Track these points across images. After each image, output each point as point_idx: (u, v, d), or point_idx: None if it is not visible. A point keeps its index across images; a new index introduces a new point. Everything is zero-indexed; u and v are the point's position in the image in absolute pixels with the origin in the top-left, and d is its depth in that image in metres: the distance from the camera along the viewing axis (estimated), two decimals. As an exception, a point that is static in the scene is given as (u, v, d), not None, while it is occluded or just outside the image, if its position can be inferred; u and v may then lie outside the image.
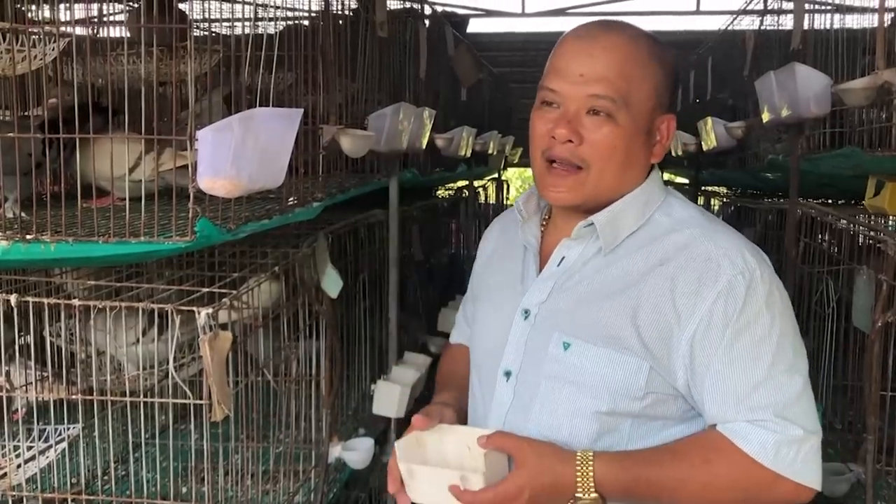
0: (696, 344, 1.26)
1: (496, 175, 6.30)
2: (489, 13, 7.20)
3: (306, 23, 2.22)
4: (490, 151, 4.78)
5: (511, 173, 10.20)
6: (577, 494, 1.24)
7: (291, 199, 1.85)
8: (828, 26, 2.72)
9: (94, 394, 1.53)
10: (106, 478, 1.90)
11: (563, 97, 1.32)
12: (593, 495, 1.23)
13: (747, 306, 1.25)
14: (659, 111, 1.35)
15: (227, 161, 1.34)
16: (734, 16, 4.31)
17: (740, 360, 1.24)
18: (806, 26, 2.64)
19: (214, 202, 1.48)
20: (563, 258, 1.39)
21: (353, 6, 2.65)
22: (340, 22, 2.41)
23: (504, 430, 1.35)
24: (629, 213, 1.35)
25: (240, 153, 1.35)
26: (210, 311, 1.40)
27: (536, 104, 1.36)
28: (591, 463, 1.24)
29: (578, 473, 1.23)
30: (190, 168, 1.36)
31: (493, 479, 1.24)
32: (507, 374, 1.38)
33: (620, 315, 1.29)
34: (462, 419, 1.47)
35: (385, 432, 2.67)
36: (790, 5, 3.03)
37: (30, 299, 1.47)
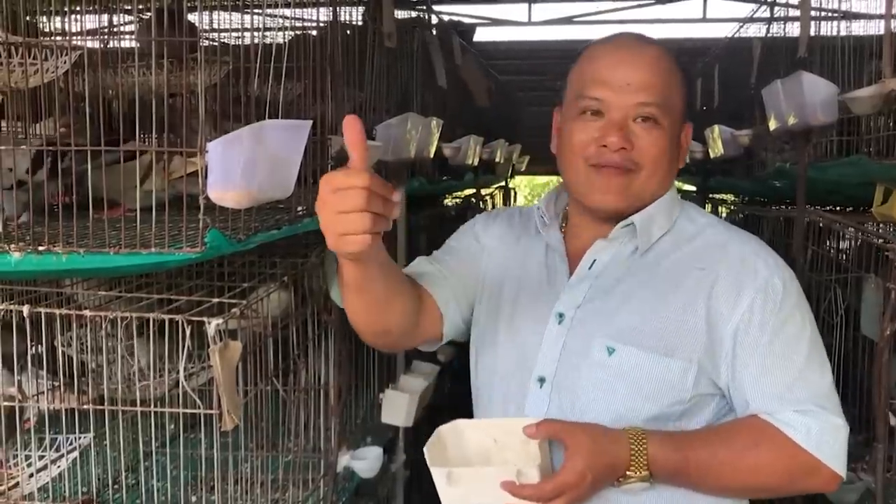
0: (737, 341, 1.30)
1: (503, 183, 6.32)
2: (496, 22, 7.22)
3: (314, 33, 2.23)
4: (497, 160, 4.80)
5: (518, 181, 10.21)
6: (629, 472, 1.24)
7: (300, 208, 1.86)
8: (834, 33, 2.72)
9: (106, 403, 1.54)
10: (116, 487, 1.91)
11: (609, 105, 1.34)
12: (644, 473, 1.24)
13: (784, 305, 1.30)
14: (683, 119, 1.40)
15: (237, 173, 1.35)
16: (741, 24, 4.32)
17: (780, 357, 1.29)
18: (812, 33, 2.64)
19: (224, 213, 1.49)
20: (594, 261, 1.39)
21: (361, 17, 2.67)
22: (348, 32, 2.43)
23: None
24: (659, 216, 1.39)
25: (249, 165, 1.36)
26: (220, 321, 1.41)
27: (573, 114, 1.38)
28: (644, 442, 1.25)
29: (633, 452, 1.24)
30: (200, 175, 1.37)
31: (545, 469, 1.21)
32: (541, 380, 1.36)
33: (664, 317, 1.31)
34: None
35: (393, 441, 2.68)
36: (796, 13, 3.03)
37: (42, 310, 1.48)
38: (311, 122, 1.55)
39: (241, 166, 1.35)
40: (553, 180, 14.61)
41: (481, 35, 6.46)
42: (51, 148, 1.47)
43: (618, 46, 1.39)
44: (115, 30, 2.24)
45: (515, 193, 7.03)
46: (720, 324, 1.30)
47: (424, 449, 1.25)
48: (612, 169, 1.34)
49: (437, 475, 1.20)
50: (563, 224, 1.48)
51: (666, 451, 1.25)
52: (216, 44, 2.06)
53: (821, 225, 2.43)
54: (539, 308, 1.39)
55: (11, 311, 1.47)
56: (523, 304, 1.43)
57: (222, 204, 1.40)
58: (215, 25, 2.21)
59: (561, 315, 1.37)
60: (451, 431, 1.29)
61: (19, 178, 1.49)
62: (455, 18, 5.84)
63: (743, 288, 1.30)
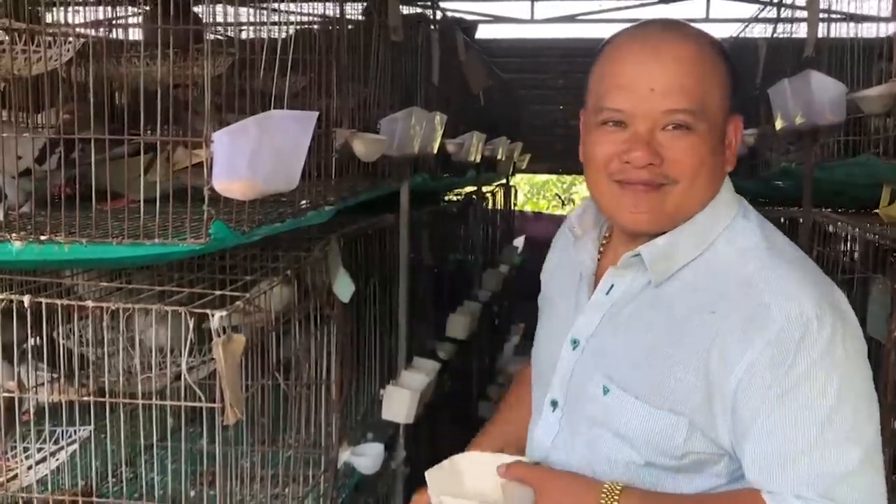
0: (738, 402, 1.12)
1: (504, 181, 6.30)
2: (498, 19, 7.20)
3: (317, 26, 2.22)
4: (499, 157, 4.79)
5: (518, 179, 10.19)
6: None
7: (304, 202, 1.84)
8: (841, 35, 2.71)
9: (106, 395, 1.53)
10: (115, 480, 1.90)
11: (632, 115, 1.18)
12: None
13: (797, 362, 1.09)
14: (728, 113, 1.23)
15: (244, 163, 1.33)
16: (745, 24, 4.31)
17: (785, 425, 1.10)
18: (820, 35, 2.63)
19: (228, 205, 1.47)
20: (612, 286, 1.27)
21: (366, 11, 2.65)
22: (350, 27, 2.41)
23: (550, 459, 1.30)
24: (686, 240, 1.21)
25: (256, 155, 1.35)
26: (224, 313, 1.39)
27: (594, 123, 1.22)
28: (616, 496, 1.15)
29: None
30: (205, 167, 1.35)
31: None
32: (554, 403, 1.31)
33: (663, 365, 1.17)
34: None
35: (394, 438, 2.66)
36: (802, 14, 3.02)
37: (43, 300, 1.46)
38: (317, 113, 1.54)
39: (247, 156, 1.33)
40: (553, 179, 14.56)
41: (483, 32, 6.44)
42: (65, 136, 1.45)
43: (640, 43, 1.19)
44: (119, 20, 2.22)
45: (516, 191, 7.00)
46: (720, 379, 1.13)
47: (426, 474, 1.25)
48: (638, 186, 1.18)
49: (434, 502, 1.24)
50: (608, 234, 1.34)
51: None
52: (221, 37, 2.04)
53: (830, 229, 2.42)
54: (560, 328, 1.32)
55: (12, 300, 1.45)
56: (554, 322, 1.37)
57: (228, 195, 1.38)
58: (220, 19, 2.19)
59: (575, 342, 1.29)
60: (468, 461, 1.30)
61: (28, 166, 1.47)
62: (457, 15, 5.83)
63: (751, 341, 1.11)
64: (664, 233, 1.21)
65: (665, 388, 1.17)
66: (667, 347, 1.18)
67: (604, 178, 1.22)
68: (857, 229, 2.26)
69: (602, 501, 1.15)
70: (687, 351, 1.16)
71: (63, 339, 1.86)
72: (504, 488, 1.20)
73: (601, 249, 1.34)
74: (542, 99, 7.72)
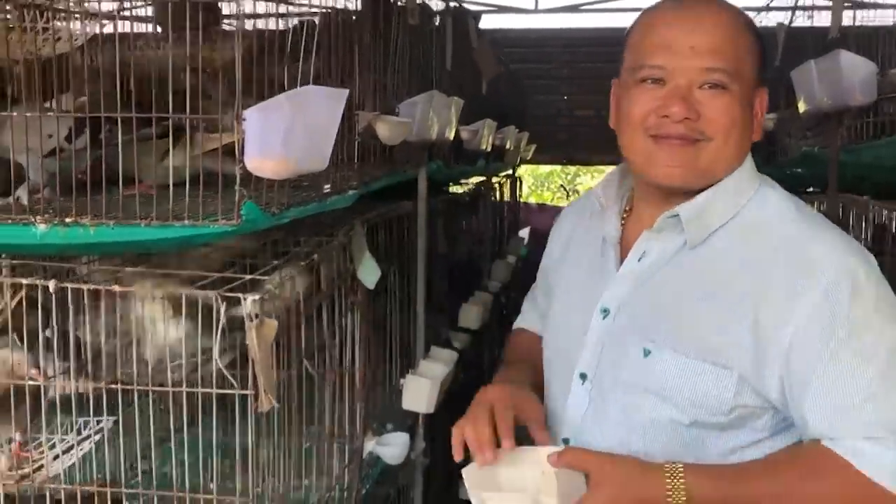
0: (793, 355, 1.16)
1: (510, 172, 6.25)
2: (502, 9, 7.17)
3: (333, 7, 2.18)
4: (508, 147, 4.75)
5: (523, 170, 10.15)
6: None
7: (326, 186, 1.80)
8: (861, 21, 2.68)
9: (134, 384, 1.49)
10: (138, 470, 1.86)
11: (671, 72, 1.23)
12: None
13: (852, 313, 1.14)
14: (757, 85, 1.28)
15: (278, 140, 1.29)
16: (758, 11, 4.27)
17: (846, 373, 1.14)
18: (846, 22, 2.60)
19: (256, 188, 1.43)
20: (644, 252, 1.29)
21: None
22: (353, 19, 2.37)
23: (582, 433, 1.28)
24: (719, 203, 1.25)
25: (290, 132, 1.31)
26: (256, 297, 1.35)
27: (632, 83, 1.27)
28: (681, 476, 1.15)
29: (668, 486, 1.14)
30: (237, 147, 1.31)
31: (568, 500, 1.16)
32: (583, 376, 1.31)
33: (707, 321, 1.20)
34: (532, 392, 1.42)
35: (413, 428, 2.62)
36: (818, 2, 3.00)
37: (68, 285, 1.42)
38: (347, 90, 1.50)
39: (281, 134, 1.29)
40: (557, 170, 14.48)
41: (487, 22, 6.40)
42: (92, 115, 1.41)
43: (680, 6, 1.27)
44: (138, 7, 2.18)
45: (521, 182, 6.96)
46: (771, 333, 1.16)
47: (463, 472, 1.24)
48: (674, 140, 1.23)
49: (474, 498, 1.23)
50: (628, 207, 1.38)
51: (706, 486, 1.15)
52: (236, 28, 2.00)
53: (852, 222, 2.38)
54: (586, 300, 1.33)
55: (37, 285, 1.41)
56: (574, 296, 1.38)
57: (259, 174, 1.35)
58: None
59: (606, 310, 1.30)
60: (509, 455, 1.26)
61: (55, 146, 1.43)
62: (461, 5, 5.78)
63: (802, 294, 1.15)
64: (694, 192, 1.25)
65: (713, 346, 1.19)
66: (708, 307, 1.20)
67: (640, 134, 1.26)
68: (887, 211, 2.23)
69: (668, 481, 1.14)
70: (730, 309, 1.19)
71: (82, 328, 1.82)
72: (557, 476, 1.17)
73: (622, 223, 1.37)
74: (545, 89, 7.69)
